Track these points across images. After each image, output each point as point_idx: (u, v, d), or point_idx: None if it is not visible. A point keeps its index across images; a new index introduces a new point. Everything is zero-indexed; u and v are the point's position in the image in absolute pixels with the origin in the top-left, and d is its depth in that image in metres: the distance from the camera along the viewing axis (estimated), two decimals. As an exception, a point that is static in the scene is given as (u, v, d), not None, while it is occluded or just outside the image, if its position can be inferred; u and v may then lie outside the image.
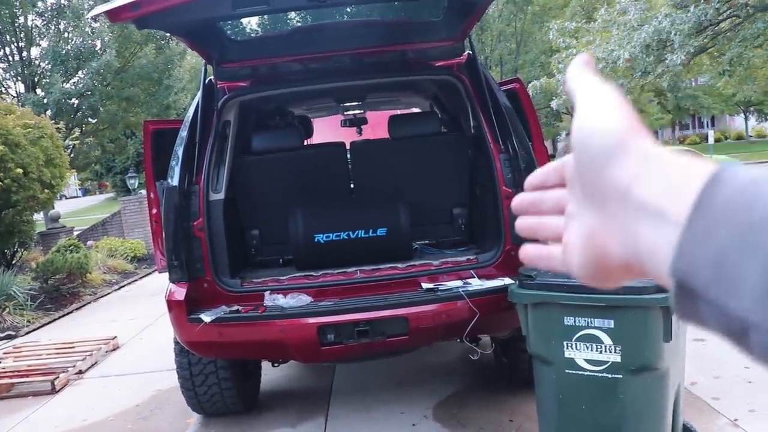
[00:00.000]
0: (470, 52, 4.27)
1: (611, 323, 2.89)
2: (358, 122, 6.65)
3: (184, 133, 3.99)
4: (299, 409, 4.77)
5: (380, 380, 5.21)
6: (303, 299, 3.80)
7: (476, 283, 3.68)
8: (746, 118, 43.93)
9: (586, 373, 2.98)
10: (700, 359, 4.74)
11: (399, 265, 4.05)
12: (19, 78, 18.77)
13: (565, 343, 3.00)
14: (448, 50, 4.28)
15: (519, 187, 3.77)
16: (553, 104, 12.40)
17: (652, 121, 36.25)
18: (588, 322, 2.93)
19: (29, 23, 18.43)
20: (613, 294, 2.85)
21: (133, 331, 7.77)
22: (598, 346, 2.93)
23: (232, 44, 4.38)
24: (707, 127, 43.72)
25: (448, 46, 4.26)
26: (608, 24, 11.47)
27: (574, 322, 2.96)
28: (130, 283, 11.86)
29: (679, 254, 0.41)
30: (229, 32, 4.62)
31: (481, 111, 4.04)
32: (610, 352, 2.91)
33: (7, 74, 19.08)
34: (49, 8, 18.33)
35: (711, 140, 25.38)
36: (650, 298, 2.80)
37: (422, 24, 4.32)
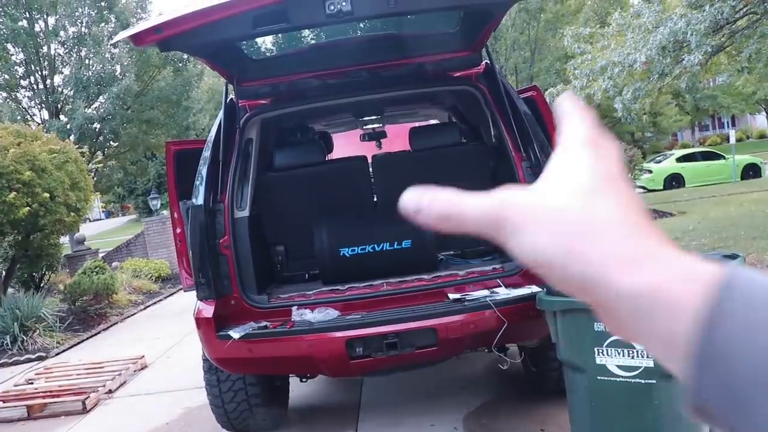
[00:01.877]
0: (488, 61, 4.28)
1: (642, 328, 2.85)
2: (377, 136, 6.67)
3: (207, 152, 4.04)
4: (328, 424, 4.76)
5: (409, 392, 5.19)
6: (330, 313, 3.81)
7: (503, 292, 3.66)
8: None
9: (618, 379, 2.95)
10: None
11: (425, 277, 4.05)
12: (44, 105, 19.17)
13: (596, 349, 2.98)
14: (465, 60, 4.30)
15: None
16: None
17: (670, 124, 35.96)
18: (619, 328, 2.90)
19: (52, 52, 18.81)
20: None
21: (160, 349, 7.83)
22: (630, 352, 2.90)
23: (252, 63, 4.43)
24: (728, 127, 43.20)
25: (465, 56, 4.28)
26: (623, 28, 11.42)
27: (605, 327, 2.92)
28: (155, 303, 11.96)
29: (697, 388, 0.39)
30: (248, 51, 4.67)
31: (502, 119, 4.05)
32: (643, 357, 2.88)
33: (32, 102, 19.48)
34: (70, 37, 18.70)
35: (732, 140, 25.03)
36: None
37: (439, 35, 4.34)
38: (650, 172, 23.66)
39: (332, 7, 3.19)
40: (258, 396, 4.28)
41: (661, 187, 23.60)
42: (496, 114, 4.12)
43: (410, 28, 4.28)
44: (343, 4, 3.18)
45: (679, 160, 25.03)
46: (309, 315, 3.80)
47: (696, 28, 9.31)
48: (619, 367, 2.95)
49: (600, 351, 2.97)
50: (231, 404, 4.28)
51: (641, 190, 22.01)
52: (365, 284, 4.08)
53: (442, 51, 4.27)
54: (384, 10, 3.37)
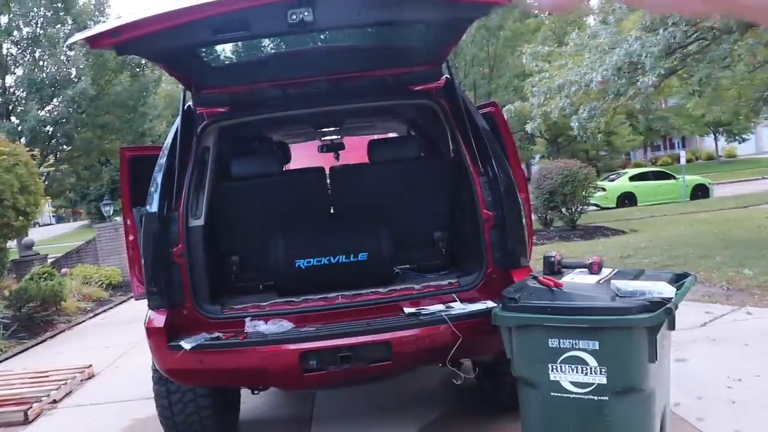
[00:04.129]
0: (448, 75, 4.30)
1: (596, 344, 2.89)
2: (335, 147, 6.66)
3: (163, 159, 3.96)
4: (280, 437, 4.70)
5: (362, 406, 5.15)
6: (284, 325, 3.76)
7: (459, 307, 3.67)
8: (716, 139, 44.74)
9: (571, 396, 2.98)
10: (682, 379, 4.75)
11: (380, 290, 4.03)
12: (-6, 106, 18.62)
13: (549, 365, 3.00)
14: (426, 74, 4.31)
15: (499, 210, 3.79)
16: (528, 127, 12.50)
17: (623, 143, 36.76)
18: (572, 344, 2.93)
19: (4, 52, 18.31)
20: (598, 315, 2.86)
21: (108, 359, 7.62)
22: (584, 368, 2.93)
23: (211, 70, 4.37)
24: (678, 148, 44.38)
25: (426, 70, 4.29)
26: (580, 48, 11.64)
27: (559, 344, 2.96)
28: (105, 311, 11.67)
29: None
30: (207, 58, 4.61)
31: (460, 134, 4.07)
32: (596, 373, 2.91)
33: (-18, 102, 18.91)
34: (24, 37, 18.25)
35: (683, 161, 25.77)
36: (634, 318, 2.81)
37: (400, 48, 4.35)
38: (604, 189, 24.13)
39: (294, 17, 3.16)
40: (208, 408, 4.19)
41: (614, 205, 24.10)
42: (455, 129, 4.14)
43: (372, 41, 4.27)
44: (306, 14, 3.15)
45: (632, 179, 25.62)
46: (262, 327, 3.74)
47: (650, 51, 9.54)
48: (573, 383, 2.97)
49: (554, 367, 2.99)
50: (180, 416, 4.19)
51: (595, 208, 22.44)
52: (320, 296, 4.05)
53: (403, 64, 4.27)
54: (347, 21, 3.36)
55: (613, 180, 26.10)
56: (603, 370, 2.89)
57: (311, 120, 5.21)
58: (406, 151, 4.72)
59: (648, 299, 2.85)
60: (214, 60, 4.06)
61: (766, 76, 12.79)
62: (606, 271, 3.34)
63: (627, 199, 24.53)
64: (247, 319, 3.80)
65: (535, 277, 3.25)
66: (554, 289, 3.07)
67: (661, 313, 2.78)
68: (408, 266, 4.72)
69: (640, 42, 9.79)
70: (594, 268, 3.29)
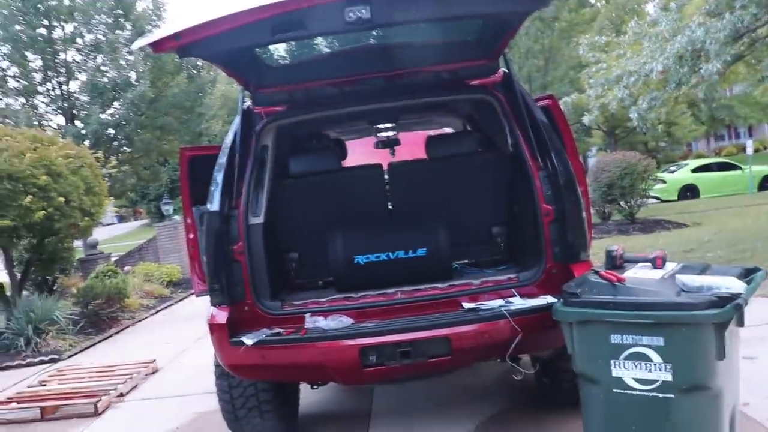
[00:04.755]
0: (506, 69, 4.26)
1: (661, 341, 2.81)
2: (391, 143, 6.67)
3: (223, 158, 4.03)
4: (339, 431, 4.73)
5: (421, 401, 5.16)
6: (344, 321, 3.79)
7: (518, 302, 3.63)
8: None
9: (635, 393, 2.91)
10: (751, 378, 4.59)
11: (439, 285, 4.02)
12: (60, 111, 19.32)
13: (612, 361, 2.94)
14: (483, 69, 4.27)
15: (558, 204, 3.73)
16: (585, 120, 12.24)
17: (685, 134, 35.67)
18: (636, 340, 2.87)
19: (69, 59, 18.98)
20: (662, 311, 2.79)
21: (171, 354, 7.84)
22: (647, 365, 2.86)
23: (269, 70, 4.43)
24: (744, 137, 42.80)
25: (483, 64, 4.26)
26: (639, 36, 11.33)
27: (622, 339, 2.90)
28: (166, 307, 11.99)
29: None
30: (265, 58, 4.67)
31: (519, 128, 4.02)
32: (660, 370, 2.84)
33: (49, 107, 19.66)
34: (87, 44, 18.87)
35: (750, 150, 24.81)
36: (702, 314, 2.73)
37: (456, 44, 4.32)
38: (664, 182, 23.50)
39: (352, 15, 3.17)
40: (269, 402, 4.26)
41: (676, 198, 23.45)
42: (513, 123, 4.09)
43: (427, 36, 4.25)
44: (363, 12, 3.16)
45: (695, 170, 24.87)
46: (322, 322, 3.78)
47: (715, 37, 9.21)
48: (636, 380, 2.90)
49: (616, 363, 2.93)
50: (242, 410, 4.27)
51: (655, 201, 21.87)
52: (379, 292, 4.06)
53: (459, 59, 4.25)
54: (403, 17, 3.36)
55: (673, 172, 25.39)
56: (668, 367, 2.81)
57: (367, 117, 5.23)
58: (463, 147, 4.69)
59: (716, 294, 2.77)
60: (271, 59, 4.11)
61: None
62: (670, 266, 3.25)
63: (689, 192, 23.83)
64: (307, 315, 3.84)
65: (596, 272, 3.19)
66: (617, 284, 3.00)
67: (730, 308, 2.69)
68: (466, 261, 4.70)
69: (704, 28, 9.46)
70: (658, 263, 3.20)
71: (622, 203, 14.49)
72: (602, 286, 3.05)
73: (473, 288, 3.92)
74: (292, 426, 4.65)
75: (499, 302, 3.66)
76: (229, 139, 4.15)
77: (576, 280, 3.28)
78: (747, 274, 3.13)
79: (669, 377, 2.82)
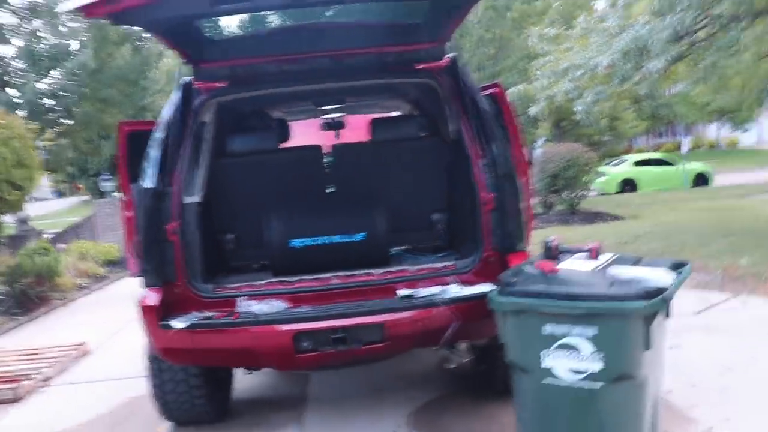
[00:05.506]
0: (452, 55, 4.22)
1: (591, 331, 2.85)
2: (336, 125, 6.59)
3: (158, 134, 3.89)
4: (272, 416, 4.67)
5: (357, 387, 5.14)
6: (277, 305, 3.72)
7: (454, 290, 3.63)
8: (719, 127, 44.47)
9: (564, 383, 2.94)
10: (676, 367, 4.73)
11: (375, 271, 3.99)
12: (-11, 77, 18.45)
13: (543, 351, 2.96)
14: (429, 53, 4.23)
15: (498, 193, 3.73)
16: (532, 111, 12.39)
17: (627, 129, 36.53)
18: (568, 331, 2.89)
19: (2, 20, 18.10)
20: (593, 302, 2.82)
21: (103, 336, 7.60)
22: (577, 355, 2.89)
23: (211, 44, 4.29)
24: (682, 135, 44.12)
25: (430, 48, 4.21)
26: (587, 31, 11.52)
27: (554, 330, 2.92)
28: (101, 288, 11.66)
29: None
30: (206, 31, 4.52)
31: (462, 115, 4.00)
32: (590, 361, 2.87)
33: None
34: (21, 6, 18.02)
35: (685, 148, 25.65)
36: (631, 306, 2.76)
37: (404, 26, 4.26)
38: (605, 175, 24.07)
39: None
40: (200, 387, 4.17)
41: (616, 191, 24.04)
42: (456, 109, 4.07)
43: (375, 17, 4.17)
44: None
45: (636, 164, 25.53)
46: (255, 306, 3.70)
47: (658, 37, 9.43)
48: (566, 370, 2.93)
49: (547, 354, 2.95)
50: (172, 395, 4.17)
51: (596, 193, 22.40)
52: (315, 277, 4.01)
53: (406, 42, 4.19)
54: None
55: (615, 165, 26.01)
56: (597, 357, 2.85)
57: (312, 97, 5.14)
58: (406, 131, 4.66)
59: (645, 287, 2.81)
60: (214, 33, 3.96)
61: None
62: (604, 257, 3.29)
63: (628, 185, 24.48)
64: (240, 299, 3.76)
65: (531, 262, 3.21)
66: (550, 274, 3.02)
67: (658, 301, 2.74)
68: (405, 247, 4.67)
69: (649, 27, 9.68)
70: (592, 254, 3.25)
71: (564, 194, 14.75)
72: (537, 276, 3.07)
73: (410, 275, 3.90)
74: (223, 411, 4.57)
75: (435, 290, 3.65)
76: (166, 114, 4.00)
77: (512, 270, 3.29)
78: (676, 268, 3.20)
79: (598, 367, 2.86)
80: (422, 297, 3.60)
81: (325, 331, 3.56)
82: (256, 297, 3.79)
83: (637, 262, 3.25)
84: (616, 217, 14.75)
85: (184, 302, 3.76)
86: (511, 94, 12.92)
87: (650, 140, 47.91)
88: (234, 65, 4.22)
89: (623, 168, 25.34)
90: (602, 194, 23.15)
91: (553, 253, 3.34)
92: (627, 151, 38.57)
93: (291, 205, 4.42)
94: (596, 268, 3.13)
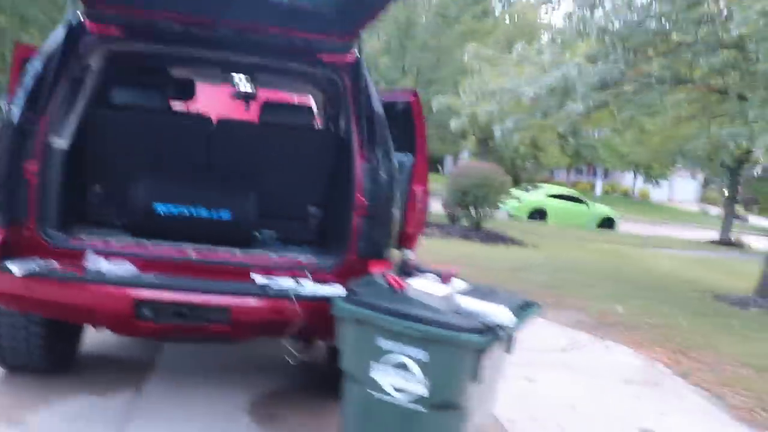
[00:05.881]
0: (357, 54, 4.18)
1: (423, 355, 2.86)
2: (246, 97, 6.44)
3: (36, 65, 3.66)
4: (114, 377, 4.51)
5: (208, 364, 5.03)
6: (127, 268, 3.58)
7: (309, 286, 3.58)
8: (635, 177, 46.47)
9: (390, 400, 2.95)
10: (526, 398, 4.91)
11: (236, 252, 3.90)
12: None
13: (375, 365, 2.96)
14: (336, 46, 4.16)
15: (373, 200, 3.72)
16: (452, 123, 12.54)
17: (550, 161, 37.69)
18: (401, 350, 2.90)
19: None
20: (429, 326, 2.84)
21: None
22: (407, 376, 2.90)
23: None
24: (599, 177, 45.87)
25: (338, 41, 4.14)
26: (523, 59, 11.74)
27: (388, 346, 2.92)
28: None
29: None
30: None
31: (355, 116, 3.97)
32: (418, 383, 2.89)
33: None
34: None
35: (598, 191, 26.72)
36: (464, 338, 2.79)
37: (315, 14, 4.17)
38: (519, 200, 24.71)
39: None
40: (41, 336, 3.98)
41: (526, 217, 24.70)
42: (350, 109, 4.04)
43: (288, -1, 4.05)
44: None
45: (550, 196, 26.31)
46: (103, 264, 3.55)
47: (586, 81, 9.71)
48: (394, 387, 2.94)
49: (378, 368, 2.95)
50: (8, 339, 3.97)
51: (506, 216, 22.96)
52: (173, 246, 3.87)
53: (315, 30, 4.11)
54: None
55: (530, 193, 26.73)
56: (425, 381, 2.87)
57: (205, 64, 4.98)
58: (295, 119, 4.59)
59: (484, 322, 2.85)
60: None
61: (689, 132, 13.33)
62: (459, 284, 3.33)
63: (539, 214, 25.17)
64: (90, 254, 3.59)
65: (383, 275, 3.21)
66: (397, 290, 3.03)
67: (491, 338, 2.79)
68: (274, 234, 4.60)
69: (578, 69, 9.95)
70: (446, 279, 3.27)
71: (472, 211, 15.00)
72: (384, 289, 3.08)
73: (270, 263, 3.83)
74: (64, 364, 4.38)
75: (291, 282, 3.60)
76: (47, 48, 3.76)
77: (364, 279, 3.29)
78: (525, 307, 3.27)
79: (425, 392, 2.88)
80: (275, 288, 3.54)
81: (168, 303, 3.45)
82: (108, 255, 3.64)
83: (489, 295, 3.30)
84: (517, 243, 15.12)
85: (31, 247, 3.56)
86: (438, 104, 13.06)
87: (570, 176, 49.55)
88: (131, 14, 3.99)
89: (537, 197, 26.07)
90: (512, 217, 23.74)
91: (407, 270, 3.36)
92: (546, 181, 39.77)
93: (163, 170, 4.28)
94: (444, 293, 3.15)
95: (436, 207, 16.43)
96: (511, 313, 3.00)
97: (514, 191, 24.30)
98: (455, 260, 11.00)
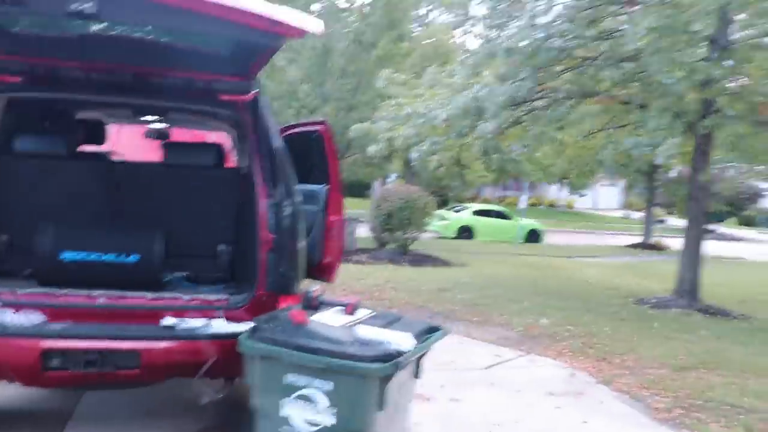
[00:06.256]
0: (255, 91, 4.23)
1: (328, 386, 2.91)
2: (159, 136, 6.38)
3: None
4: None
5: (129, 408, 4.90)
6: (35, 318, 3.51)
7: (218, 325, 3.59)
8: (559, 189, 47.78)
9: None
10: (450, 419, 4.97)
11: (147, 295, 3.87)
12: None
13: (283, 400, 2.99)
14: (235, 86, 4.23)
15: (279, 234, 3.75)
16: (371, 150, 12.67)
17: (476, 178, 38.37)
18: (307, 383, 2.94)
19: None
20: (332, 358, 2.88)
21: None
22: (314, 408, 2.94)
23: (6, 35, 4.02)
24: (525, 190, 46.90)
25: (237, 81, 4.21)
26: (435, 82, 11.99)
27: (294, 380, 2.96)
28: None
29: None
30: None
31: (256, 153, 4.02)
32: (325, 414, 2.93)
33: None
34: None
35: (523, 204, 27.36)
36: (365, 367, 2.85)
37: (212, 55, 4.22)
38: (446, 219, 25.07)
39: (75, 5, 2.98)
40: None
41: (454, 236, 25.04)
42: (252, 146, 4.09)
43: (184, 42, 4.08)
44: (87, 5, 2.99)
45: (475, 213, 26.77)
46: (9, 316, 3.47)
47: (495, 100, 9.99)
48: (303, 421, 2.97)
49: (286, 403, 2.98)
50: None
51: (434, 235, 23.24)
52: (82, 293, 3.82)
53: (213, 71, 4.18)
54: (136, 21, 3.22)
55: (457, 211, 27.12)
56: (332, 412, 2.91)
57: (111, 108, 4.96)
58: (199, 158, 4.60)
59: (384, 350, 2.91)
60: (9, 24, 3.72)
61: (599, 143, 13.85)
62: (362, 313, 3.38)
63: (466, 232, 25.56)
64: None
65: (286, 310, 3.24)
66: (300, 325, 3.07)
67: (391, 365, 2.85)
68: (183, 274, 4.58)
69: (488, 89, 10.23)
70: (348, 310, 3.33)
71: (398, 234, 15.11)
72: (288, 324, 3.10)
73: (180, 304, 3.82)
74: None
75: (199, 322, 3.60)
76: None
77: (269, 315, 3.32)
78: (429, 332, 3.34)
79: (331, 422, 2.92)
80: (184, 328, 3.54)
81: (77, 351, 3.41)
82: (14, 306, 3.56)
83: (392, 322, 3.37)
84: (445, 263, 15.30)
85: None
86: (356, 130, 13.20)
87: (497, 192, 50.55)
88: (30, 62, 3.99)
89: (463, 215, 26.49)
90: (441, 238, 24.04)
91: (312, 303, 3.40)
92: (474, 199, 40.44)
93: (68, 216, 4.23)
94: (346, 324, 3.21)
95: (364, 232, 16.51)
96: (413, 339, 3.06)
97: (442, 211, 24.69)
98: (382, 285, 11.08)
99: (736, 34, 9.72)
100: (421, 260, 15.05)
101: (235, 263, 4.59)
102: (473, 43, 12.85)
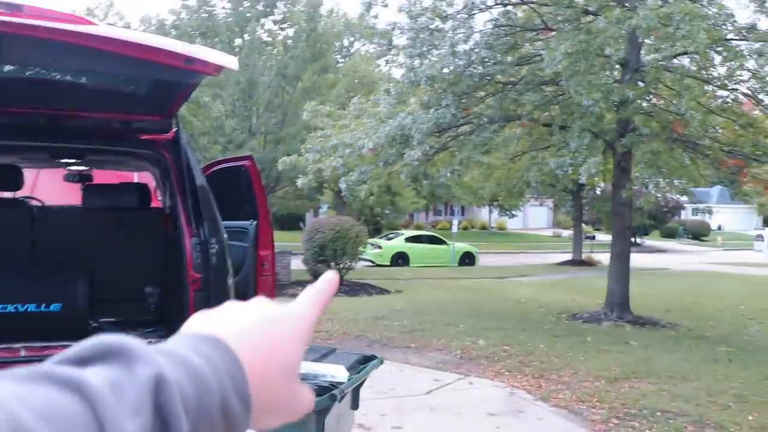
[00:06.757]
0: (175, 130, 4.17)
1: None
2: (80, 179, 6.18)
3: None
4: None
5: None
6: None
7: None
8: (490, 211, 48.69)
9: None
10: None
11: (72, 344, 3.70)
12: None
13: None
14: (153, 125, 4.15)
15: (206, 273, 3.67)
16: (299, 182, 12.64)
17: (407, 204, 38.72)
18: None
19: None
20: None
21: None
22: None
23: None
24: (457, 214, 47.66)
25: (155, 120, 4.13)
26: (361, 112, 12.09)
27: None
28: None
29: None
30: None
31: (179, 192, 3.93)
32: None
33: None
34: None
35: (455, 228, 27.72)
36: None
37: (130, 95, 4.14)
38: (380, 247, 25.12)
39: None
40: None
41: (389, 263, 25.09)
42: (174, 185, 4.00)
43: (100, 83, 3.98)
44: None
45: (408, 240, 26.93)
46: None
47: (420, 127, 10.14)
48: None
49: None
50: None
51: (369, 264, 23.24)
52: (3, 347, 3.63)
53: (130, 111, 4.09)
54: (42, 64, 3.13)
55: (390, 239, 27.23)
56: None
57: (29, 152, 4.79)
58: (121, 200, 4.48)
59: (317, 383, 2.86)
60: None
61: (525, 165, 14.20)
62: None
63: (401, 259, 25.66)
64: None
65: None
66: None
67: (327, 398, 2.80)
68: (112, 320, 4.42)
69: (412, 117, 10.38)
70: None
71: (332, 265, 15.03)
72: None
73: None
74: None
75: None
76: None
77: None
78: (364, 362, 3.32)
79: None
80: None
81: None
82: None
83: (327, 354, 3.33)
84: (381, 291, 15.31)
85: None
86: (284, 163, 13.14)
87: (430, 217, 51.14)
88: None
89: (397, 242, 26.61)
90: (377, 266, 24.06)
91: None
92: (407, 226, 40.75)
93: None
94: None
95: (299, 264, 16.37)
96: (347, 370, 3.03)
97: (375, 239, 24.74)
98: (318, 317, 10.96)
99: (647, 57, 10.20)
100: (357, 290, 15.00)
101: (164, 305, 4.46)
102: (397, 73, 13.03)
